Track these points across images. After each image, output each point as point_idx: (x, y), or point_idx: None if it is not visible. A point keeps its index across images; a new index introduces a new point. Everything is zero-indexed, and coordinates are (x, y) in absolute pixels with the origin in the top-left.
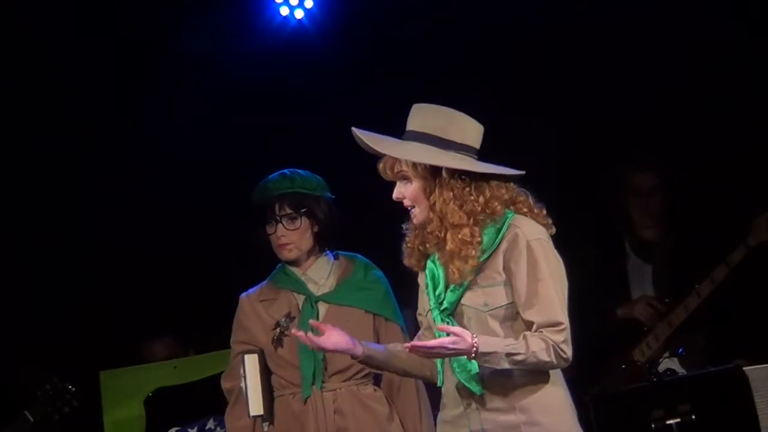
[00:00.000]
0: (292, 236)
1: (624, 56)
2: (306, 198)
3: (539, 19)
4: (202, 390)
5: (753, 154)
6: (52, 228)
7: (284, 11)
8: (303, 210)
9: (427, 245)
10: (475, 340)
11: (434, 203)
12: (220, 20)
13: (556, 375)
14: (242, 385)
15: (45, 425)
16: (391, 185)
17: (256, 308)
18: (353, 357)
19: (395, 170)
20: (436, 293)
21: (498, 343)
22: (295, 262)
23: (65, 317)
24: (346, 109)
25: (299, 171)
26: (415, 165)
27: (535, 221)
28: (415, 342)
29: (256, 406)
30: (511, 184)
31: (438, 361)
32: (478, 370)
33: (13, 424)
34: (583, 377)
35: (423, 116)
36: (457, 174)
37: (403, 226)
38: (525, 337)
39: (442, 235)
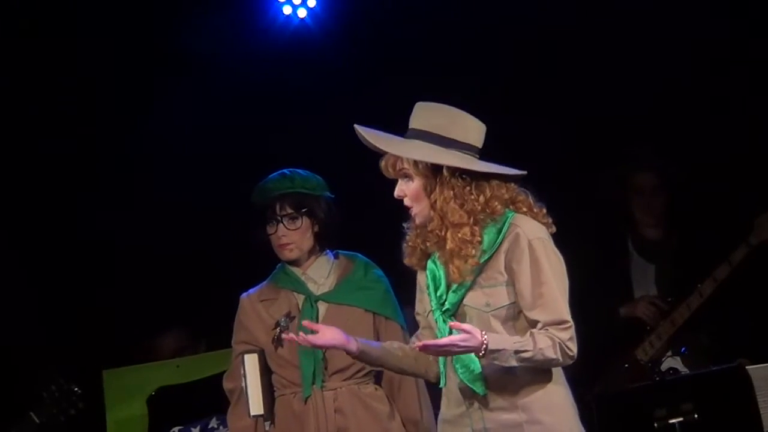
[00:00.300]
0: (292, 236)
1: (624, 56)
2: (306, 198)
3: (539, 19)
4: (204, 389)
5: (754, 154)
6: (52, 228)
7: (287, 10)
8: (304, 210)
9: (428, 244)
10: (485, 337)
11: (435, 201)
12: (222, 19)
13: (558, 374)
14: (243, 385)
15: (50, 427)
16: (392, 185)
17: (256, 308)
18: (348, 353)
19: (397, 168)
20: (438, 294)
21: (507, 340)
22: (295, 262)
23: (66, 316)
24: (348, 108)
25: (299, 171)
26: (416, 163)
27: (536, 220)
28: (427, 341)
29: (256, 405)
30: (512, 184)
31: (440, 361)
32: (480, 370)
33: (19, 425)
34: (586, 376)
35: (425, 114)
36: (458, 173)
37: (404, 224)
38: (532, 335)
39: (443, 233)
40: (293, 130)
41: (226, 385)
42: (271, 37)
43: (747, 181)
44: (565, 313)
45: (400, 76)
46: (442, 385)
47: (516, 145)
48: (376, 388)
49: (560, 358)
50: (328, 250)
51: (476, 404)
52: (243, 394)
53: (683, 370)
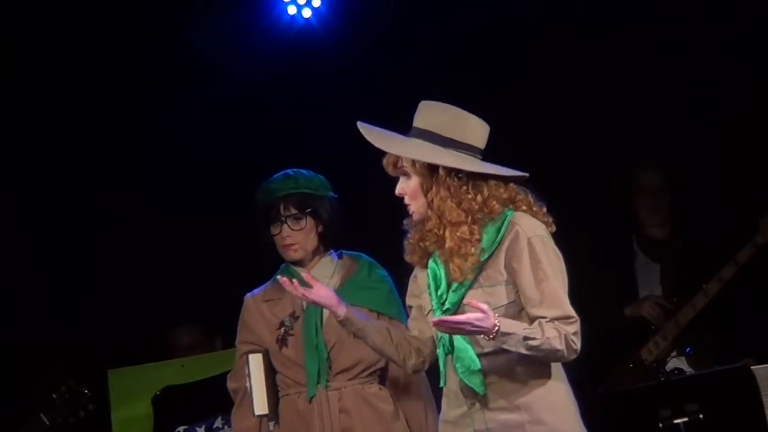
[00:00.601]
0: (297, 236)
1: (624, 56)
2: (310, 198)
3: (539, 19)
4: (209, 389)
5: (760, 153)
6: (55, 228)
7: (292, 10)
8: (308, 210)
9: (427, 243)
10: (497, 320)
11: (432, 200)
12: (227, 20)
13: (559, 372)
14: (247, 384)
15: (60, 428)
16: (396, 184)
17: (260, 308)
18: (335, 316)
19: (397, 166)
20: (438, 293)
21: (518, 326)
22: (299, 262)
23: (70, 316)
24: (353, 108)
25: (302, 171)
26: (414, 162)
27: (535, 219)
28: (443, 317)
29: (260, 405)
30: (511, 184)
31: (440, 361)
32: (480, 368)
33: (29, 427)
34: (591, 376)
35: (428, 114)
36: (454, 172)
37: (405, 222)
38: (540, 324)
39: (441, 232)
40: (297, 129)
41: (231, 384)
42: (275, 37)
43: (753, 181)
44: (569, 308)
45: (404, 76)
46: (442, 385)
47: (516, 145)
48: (380, 388)
49: (565, 350)
50: (332, 250)
51: (477, 404)
52: (247, 393)
53: (688, 370)
